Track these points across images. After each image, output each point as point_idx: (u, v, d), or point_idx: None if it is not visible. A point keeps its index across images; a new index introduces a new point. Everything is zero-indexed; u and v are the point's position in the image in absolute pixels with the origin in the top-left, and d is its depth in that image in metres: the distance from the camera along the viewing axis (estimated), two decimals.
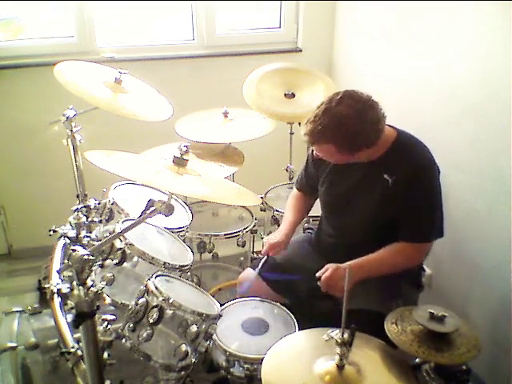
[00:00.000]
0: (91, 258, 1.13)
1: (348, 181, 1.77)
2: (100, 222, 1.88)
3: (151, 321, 1.39)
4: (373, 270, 1.66)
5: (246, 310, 1.72)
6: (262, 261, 1.88)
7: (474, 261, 2.09)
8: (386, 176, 1.65)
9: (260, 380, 1.23)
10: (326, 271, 1.65)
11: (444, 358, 1.23)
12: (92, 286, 1.15)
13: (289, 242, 1.90)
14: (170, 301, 1.40)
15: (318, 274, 1.67)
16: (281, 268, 1.90)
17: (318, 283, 1.66)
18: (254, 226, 2.35)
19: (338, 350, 1.18)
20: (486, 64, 1.93)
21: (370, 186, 1.70)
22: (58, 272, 1.53)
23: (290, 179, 2.53)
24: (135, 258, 1.60)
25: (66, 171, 2.10)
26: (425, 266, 1.95)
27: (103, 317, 1.45)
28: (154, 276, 1.49)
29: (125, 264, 1.57)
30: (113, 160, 1.48)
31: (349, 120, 1.53)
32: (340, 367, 1.18)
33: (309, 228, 2.20)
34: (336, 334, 1.19)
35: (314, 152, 1.72)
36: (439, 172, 1.70)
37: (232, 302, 1.75)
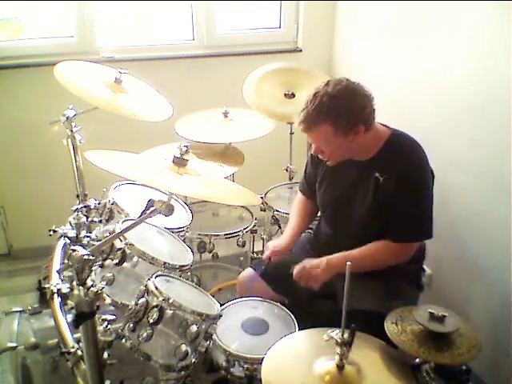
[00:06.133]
0: (91, 258, 1.13)
1: (343, 181, 1.78)
2: (100, 221, 1.88)
3: (151, 321, 1.39)
4: (352, 265, 1.65)
5: (245, 310, 1.72)
6: (264, 265, 1.87)
7: (474, 261, 2.09)
8: (377, 175, 1.66)
9: (260, 380, 1.23)
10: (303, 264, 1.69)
11: (444, 358, 1.23)
12: (92, 286, 1.15)
13: (292, 246, 1.89)
14: (170, 301, 1.40)
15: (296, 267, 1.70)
16: (280, 269, 1.90)
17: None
18: (254, 225, 2.35)
19: (337, 349, 1.18)
20: (486, 64, 1.93)
21: (364, 186, 1.71)
22: (58, 272, 1.53)
23: (290, 179, 2.54)
24: (135, 258, 1.60)
25: (66, 171, 2.10)
26: (425, 266, 1.95)
27: (103, 317, 1.45)
28: (154, 276, 1.49)
29: (125, 264, 1.57)
30: (113, 160, 1.48)
31: (341, 94, 1.57)
32: (340, 367, 1.18)
33: (308, 228, 2.20)
34: (336, 333, 1.19)
35: (313, 150, 1.71)
36: (433, 174, 1.70)
37: (232, 301, 1.75)
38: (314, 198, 1.98)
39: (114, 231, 1.67)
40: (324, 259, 1.68)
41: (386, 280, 1.71)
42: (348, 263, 1.16)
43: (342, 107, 1.56)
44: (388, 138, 1.69)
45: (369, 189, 1.69)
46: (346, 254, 1.67)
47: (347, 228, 1.80)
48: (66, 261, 1.17)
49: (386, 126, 1.73)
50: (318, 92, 1.59)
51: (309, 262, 1.69)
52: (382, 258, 1.69)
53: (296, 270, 1.69)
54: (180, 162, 1.46)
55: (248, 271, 1.95)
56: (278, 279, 1.88)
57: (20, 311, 1.82)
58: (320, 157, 1.73)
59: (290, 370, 1.25)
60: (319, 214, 1.99)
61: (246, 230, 2.30)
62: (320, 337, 1.23)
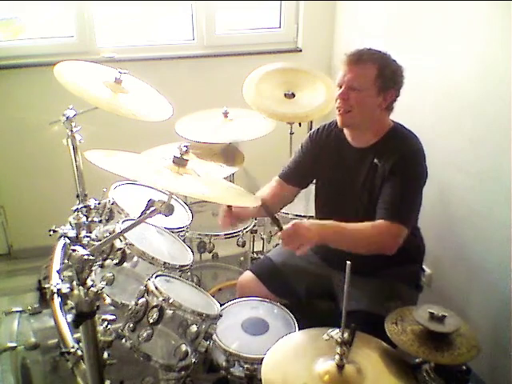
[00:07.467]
0: (91, 258, 1.13)
1: (344, 170, 1.78)
2: (100, 221, 1.88)
3: (151, 321, 1.39)
4: (339, 235, 1.58)
5: (245, 310, 1.72)
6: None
7: (474, 261, 2.09)
8: (375, 160, 1.68)
9: (260, 380, 1.23)
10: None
11: (444, 358, 1.23)
12: (92, 286, 1.15)
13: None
14: (170, 301, 1.40)
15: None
16: (279, 270, 1.90)
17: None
18: (254, 225, 2.35)
19: (337, 349, 1.18)
20: (486, 63, 1.93)
21: (363, 172, 1.72)
22: (58, 272, 1.53)
23: None
24: (135, 258, 1.60)
25: (66, 171, 2.10)
26: (425, 266, 1.95)
27: (103, 317, 1.45)
28: (154, 276, 1.49)
29: (125, 264, 1.57)
30: (113, 160, 1.47)
31: (392, 58, 1.71)
32: (340, 367, 1.18)
33: None
34: (336, 333, 1.19)
35: (339, 94, 1.67)
36: (427, 174, 1.69)
37: (232, 301, 1.75)
38: (293, 183, 1.93)
39: (114, 231, 1.67)
40: (314, 227, 1.56)
41: (384, 281, 1.71)
42: (348, 263, 1.16)
43: (392, 63, 1.68)
44: (391, 127, 1.73)
45: (368, 174, 1.70)
46: (337, 223, 1.58)
47: (349, 219, 1.76)
48: (65, 261, 1.17)
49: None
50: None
51: (299, 226, 1.54)
52: (370, 233, 1.58)
53: (288, 230, 1.53)
54: (180, 161, 1.46)
55: (247, 274, 1.95)
56: (277, 282, 1.88)
57: (20, 311, 1.81)
58: (338, 105, 1.68)
59: (289, 369, 1.25)
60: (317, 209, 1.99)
61: (246, 230, 2.30)
62: (320, 336, 1.23)
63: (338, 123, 1.73)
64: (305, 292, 1.87)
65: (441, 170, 1.72)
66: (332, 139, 1.83)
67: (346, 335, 1.17)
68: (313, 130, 1.93)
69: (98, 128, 2.22)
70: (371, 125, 1.71)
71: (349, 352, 1.18)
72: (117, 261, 1.55)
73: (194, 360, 1.45)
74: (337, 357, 1.18)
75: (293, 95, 2.45)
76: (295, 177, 1.94)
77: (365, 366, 1.22)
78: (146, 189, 2.02)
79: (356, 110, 1.66)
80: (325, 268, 1.87)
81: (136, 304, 1.43)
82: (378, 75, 1.62)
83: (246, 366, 1.48)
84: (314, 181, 1.95)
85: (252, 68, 2.49)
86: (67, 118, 1.93)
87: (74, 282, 1.15)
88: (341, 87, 1.67)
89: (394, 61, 1.69)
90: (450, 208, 1.80)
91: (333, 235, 1.58)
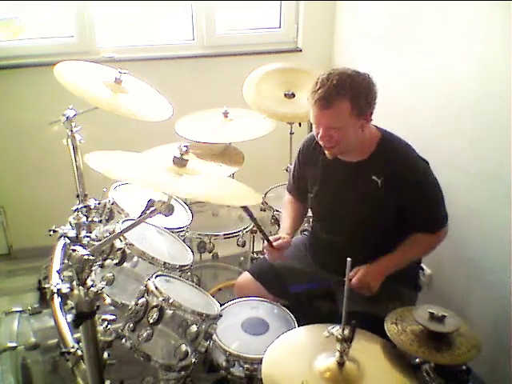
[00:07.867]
0: (91, 258, 1.13)
1: (336, 184, 1.77)
2: (100, 221, 1.88)
3: (151, 321, 1.39)
4: (398, 264, 1.71)
5: (245, 310, 1.72)
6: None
7: (473, 261, 2.09)
8: (374, 177, 1.66)
9: (260, 380, 1.23)
10: (357, 272, 1.65)
11: (444, 358, 1.23)
12: (92, 286, 1.15)
13: (290, 243, 1.84)
14: (170, 301, 1.40)
15: (350, 275, 1.63)
16: (277, 271, 1.90)
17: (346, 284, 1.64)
18: (254, 226, 2.34)
19: (338, 346, 1.18)
20: (486, 63, 1.93)
21: (359, 188, 1.70)
22: (58, 272, 1.53)
23: None
24: (135, 258, 1.60)
25: (66, 171, 2.10)
26: (425, 266, 1.95)
27: (103, 317, 1.45)
28: (154, 276, 1.49)
29: (125, 264, 1.57)
30: (112, 162, 1.46)
31: (359, 75, 1.60)
32: (340, 364, 1.18)
33: (306, 230, 2.19)
34: (336, 330, 1.19)
35: (320, 136, 1.63)
36: (427, 164, 1.71)
37: (232, 301, 1.75)
38: (301, 199, 1.97)
39: (114, 231, 1.67)
40: (377, 276, 1.66)
41: (383, 281, 1.71)
42: (348, 259, 1.16)
43: (361, 86, 1.58)
44: (380, 139, 1.70)
45: (365, 191, 1.69)
46: (389, 258, 1.69)
47: (341, 231, 1.78)
48: (65, 261, 1.17)
49: (375, 126, 1.73)
50: (331, 73, 1.57)
51: (366, 272, 1.65)
52: (423, 250, 1.79)
53: (356, 279, 1.64)
54: (180, 162, 1.46)
55: (245, 275, 1.94)
56: (276, 283, 1.87)
57: (20, 311, 1.82)
58: (322, 144, 1.66)
59: (290, 366, 1.25)
60: (312, 216, 1.99)
61: (246, 230, 2.30)
62: (320, 333, 1.23)
63: (327, 155, 1.70)
64: (303, 293, 1.86)
65: (441, 170, 1.72)
66: (319, 153, 1.78)
67: (346, 332, 1.17)
68: (300, 146, 1.91)
69: (97, 128, 2.22)
70: (359, 144, 1.67)
71: (349, 349, 1.18)
72: (117, 261, 1.55)
73: (193, 360, 1.45)
74: (337, 354, 1.18)
75: (293, 95, 2.45)
76: (298, 193, 1.98)
77: (365, 362, 1.22)
78: (146, 189, 2.01)
79: (342, 141, 1.63)
80: (323, 271, 1.87)
81: (136, 304, 1.43)
82: (352, 108, 1.55)
83: (245, 366, 1.48)
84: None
85: (252, 68, 2.49)
86: (67, 117, 1.93)
87: (74, 282, 1.15)
88: (318, 127, 1.64)
89: (364, 78, 1.60)
90: (450, 208, 1.80)
91: (397, 266, 1.70)
